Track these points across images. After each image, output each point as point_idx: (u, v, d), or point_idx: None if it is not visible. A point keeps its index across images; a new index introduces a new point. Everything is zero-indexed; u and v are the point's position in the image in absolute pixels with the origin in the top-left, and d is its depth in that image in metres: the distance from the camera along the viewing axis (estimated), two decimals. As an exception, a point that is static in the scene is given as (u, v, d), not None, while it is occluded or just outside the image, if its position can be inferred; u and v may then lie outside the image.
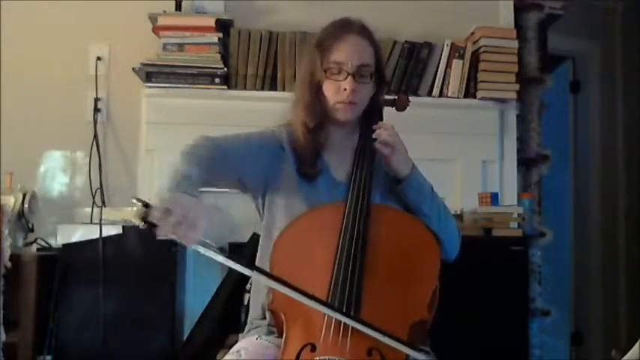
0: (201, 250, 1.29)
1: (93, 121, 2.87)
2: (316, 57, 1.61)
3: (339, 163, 1.64)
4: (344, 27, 1.62)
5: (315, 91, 1.61)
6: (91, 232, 2.38)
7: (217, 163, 1.49)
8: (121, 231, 2.37)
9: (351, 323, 1.32)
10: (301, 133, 1.62)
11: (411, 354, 1.33)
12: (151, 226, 1.27)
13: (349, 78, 1.57)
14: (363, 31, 1.62)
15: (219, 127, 2.81)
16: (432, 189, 1.63)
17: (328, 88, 1.60)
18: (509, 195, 3.00)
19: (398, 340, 1.31)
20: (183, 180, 1.37)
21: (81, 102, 2.90)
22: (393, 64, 2.91)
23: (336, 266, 1.42)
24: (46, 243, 2.53)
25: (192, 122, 2.84)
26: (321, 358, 1.30)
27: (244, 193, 1.64)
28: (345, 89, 1.57)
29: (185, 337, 2.48)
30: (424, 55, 2.95)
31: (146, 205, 1.26)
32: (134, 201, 1.28)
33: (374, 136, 1.57)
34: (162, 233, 1.26)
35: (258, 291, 1.61)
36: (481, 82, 2.93)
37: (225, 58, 2.84)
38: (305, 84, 1.63)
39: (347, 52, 1.58)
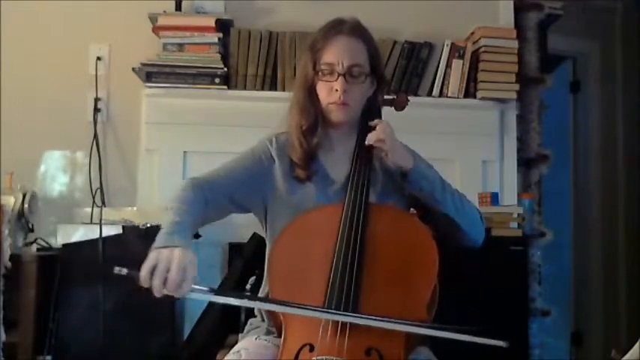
0: (194, 296, 1.33)
1: (93, 121, 2.87)
2: (309, 59, 1.62)
3: (336, 163, 1.64)
4: (334, 28, 1.62)
5: (309, 93, 1.62)
6: (91, 232, 2.38)
7: (209, 202, 1.52)
8: (121, 231, 2.38)
9: (347, 319, 1.32)
10: (296, 136, 1.63)
11: (413, 330, 1.33)
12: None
13: (340, 79, 1.57)
14: (354, 30, 1.62)
15: (219, 127, 2.86)
16: (442, 178, 1.62)
17: (321, 90, 1.61)
18: (509, 195, 3.00)
19: (398, 321, 1.31)
20: (171, 232, 1.38)
21: (81, 102, 2.90)
22: (393, 64, 2.91)
23: (333, 266, 1.42)
24: (46, 243, 2.53)
25: (192, 122, 2.85)
26: (319, 358, 1.30)
27: (247, 213, 1.66)
28: (336, 90, 1.58)
29: (185, 337, 2.48)
30: (424, 55, 2.95)
31: (131, 273, 1.28)
32: (117, 270, 1.29)
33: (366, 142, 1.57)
34: (156, 293, 1.29)
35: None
36: (481, 82, 2.93)
37: (225, 58, 2.84)
38: (300, 86, 1.65)
39: (337, 53, 1.58)
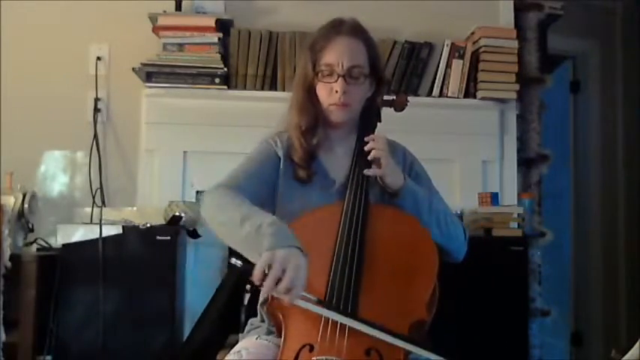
0: (302, 304, 1.31)
1: (93, 121, 2.88)
2: (308, 60, 1.62)
3: (336, 163, 1.64)
4: (334, 29, 1.62)
5: (309, 93, 1.63)
6: (91, 232, 2.38)
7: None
8: (121, 231, 2.38)
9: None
10: (296, 136, 1.63)
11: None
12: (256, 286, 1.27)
13: (340, 80, 1.57)
14: (354, 31, 1.62)
15: (219, 127, 2.86)
16: (431, 195, 1.62)
17: (321, 91, 1.61)
18: (509, 195, 3.00)
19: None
20: (278, 232, 1.33)
21: (81, 102, 2.90)
22: (393, 64, 2.91)
23: (333, 266, 1.42)
24: (46, 243, 2.53)
25: (192, 122, 2.85)
26: (319, 358, 1.30)
27: None
28: (336, 91, 1.58)
29: (185, 337, 2.48)
30: (424, 55, 2.95)
31: (246, 262, 1.26)
32: (234, 262, 1.27)
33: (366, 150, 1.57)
34: (265, 292, 1.27)
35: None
36: (481, 82, 2.93)
37: (225, 58, 2.84)
38: (299, 87, 1.65)
39: (337, 54, 1.58)
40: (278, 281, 1.26)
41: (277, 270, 1.25)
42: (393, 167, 1.56)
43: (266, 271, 1.26)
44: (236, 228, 1.39)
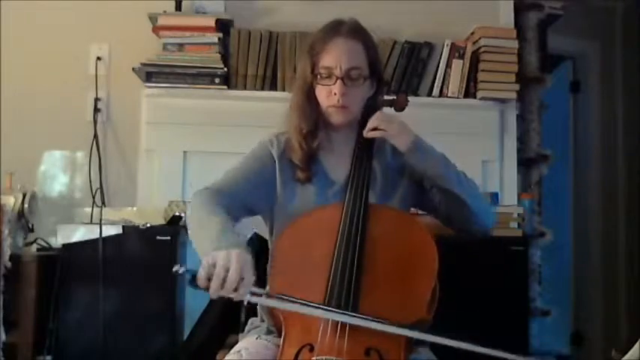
0: (251, 299, 1.30)
1: (93, 121, 2.88)
2: (307, 62, 1.61)
3: (337, 164, 1.64)
4: (332, 30, 1.61)
5: (309, 96, 1.62)
6: (91, 232, 2.38)
7: (229, 210, 1.49)
8: (121, 231, 2.38)
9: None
10: (296, 139, 1.62)
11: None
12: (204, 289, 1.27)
13: (338, 82, 1.56)
14: (352, 32, 1.60)
15: (219, 127, 2.86)
16: (445, 157, 1.64)
17: (320, 93, 1.60)
18: (509, 195, 3.00)
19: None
20: (223, 233, 1.36)
21: (81, 102, 2.91)
22: (393, 64, 2.91)
23: (333, 266, 1.42)
24: (46, 243, 2.53)
25: (192, 122, 2.86)
26: (319, 358, 1.30)
27: (255, 216, 1.66)
28: (335, 93, 1.57)
29: (185, 337, 2.48)
30: (424, 55, 2.95)
31: (189, 272, 1.26)
32: (176, 269, 1.27)
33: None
34: (212, 294, 1.26)
35: None
36: (481, 82, 2.93)
37: (225, 58, 2.84)
38: (299, 89, 1.64)
39: (335, 56, 1.57)
40: (224, 282, 1.25)
41: (220, 271, 1.25)
42: (400, 127, 1.57)
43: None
44: (195, 234, 1.42)
